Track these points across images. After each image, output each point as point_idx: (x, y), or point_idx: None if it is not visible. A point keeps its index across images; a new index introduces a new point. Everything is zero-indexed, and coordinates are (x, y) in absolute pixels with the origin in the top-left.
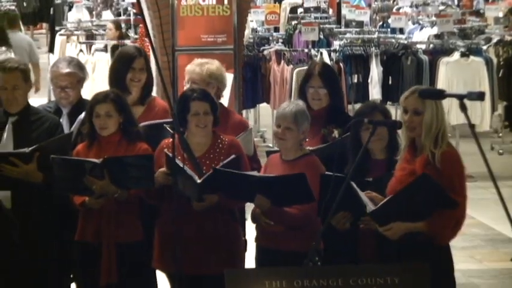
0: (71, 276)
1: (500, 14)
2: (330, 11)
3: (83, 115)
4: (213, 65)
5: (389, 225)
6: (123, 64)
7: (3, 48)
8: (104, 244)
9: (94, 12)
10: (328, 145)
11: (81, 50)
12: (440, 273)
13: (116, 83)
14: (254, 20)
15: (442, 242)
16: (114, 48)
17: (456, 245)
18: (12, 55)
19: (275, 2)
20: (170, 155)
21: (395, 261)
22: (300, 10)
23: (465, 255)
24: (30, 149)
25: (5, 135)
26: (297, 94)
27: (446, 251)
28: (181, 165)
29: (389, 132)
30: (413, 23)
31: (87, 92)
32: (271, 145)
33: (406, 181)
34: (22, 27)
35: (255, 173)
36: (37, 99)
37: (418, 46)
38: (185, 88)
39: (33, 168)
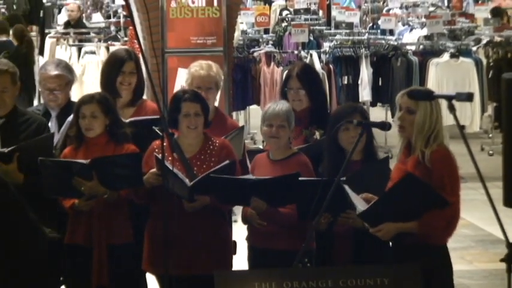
0: (61, 279)
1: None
2: (320, 12)
3: (71, 118)
4: (216, 66)
5: (380, 226)
6: (113, 67)
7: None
8: (94, 247)
9: (84, 15)
10: (309, 145)
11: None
12: (437, 274)
13: (107, 86)
14: (244, 21)
15: (437, 242)
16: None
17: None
18: None
19: (265, 4)
20: (160, 157)
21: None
22: (285, 12)
23: (455, 256)
24: (8, 149)
25: None
26: (279, 97)
27: (442, 251)
28: (171, 168)
29: (367, 134)
30: (403, 25)
31: (77, 94)
32: (261, 147)
33: None
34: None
35: (250, 176)
36: None
37: (408, 47)
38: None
39: (13, 169)
